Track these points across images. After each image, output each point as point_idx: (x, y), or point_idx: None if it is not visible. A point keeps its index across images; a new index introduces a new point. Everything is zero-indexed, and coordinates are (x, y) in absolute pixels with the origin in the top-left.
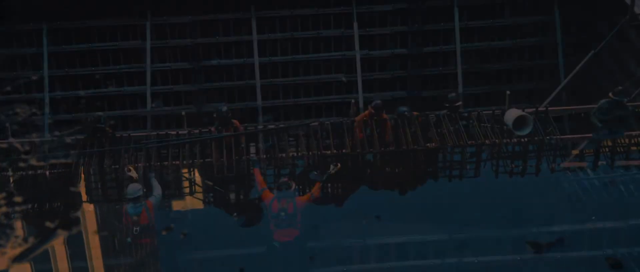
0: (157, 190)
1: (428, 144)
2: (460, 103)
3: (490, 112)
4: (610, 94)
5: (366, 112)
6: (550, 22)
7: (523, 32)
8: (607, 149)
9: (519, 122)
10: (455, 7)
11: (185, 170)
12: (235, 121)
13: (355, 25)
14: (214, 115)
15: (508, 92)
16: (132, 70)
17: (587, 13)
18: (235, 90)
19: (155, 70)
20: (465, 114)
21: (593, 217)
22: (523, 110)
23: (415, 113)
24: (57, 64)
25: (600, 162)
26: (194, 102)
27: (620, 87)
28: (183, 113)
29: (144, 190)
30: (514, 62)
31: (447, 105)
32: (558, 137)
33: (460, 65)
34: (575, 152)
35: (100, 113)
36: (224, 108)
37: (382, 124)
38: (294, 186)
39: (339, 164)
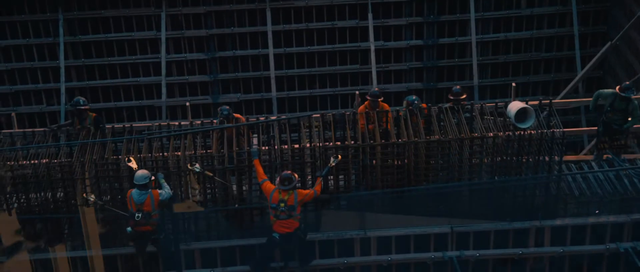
0: (167, 188)
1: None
2: (464, 96)
3: (494, 104)
4: (617, 89)
5: (366, 102)
6: (568, 13)
7: (539, 23)
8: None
9: (521, 115)
10: None
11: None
12: (237, 115)
13: (370, 16)
14: (219, 117)
15: (513, 84)
16: (148, 60)
17: (605, 4)
18: (250, 81)
19: (171, 61)
20: (468, 107)
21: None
22: (526, 103)
23: (423, 104)
24: (73, 53)
25: (606, 156)
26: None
27: (627, 83)
28: (187, 104)
29: (152, 178)
30: (530, 54)
31: (452, 98)
32: (561, 130)
33: (476, 56)
34: None
35: (79, 98)
36: (226, 111)
37: (383, 115)
38: (296, 178)
39: (340, 156)
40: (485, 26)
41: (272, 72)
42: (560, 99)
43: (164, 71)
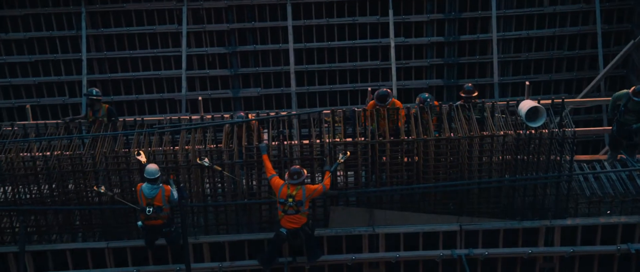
0: (175, 192)
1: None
2: (476, 94)
3: (505, 102)
4: (631, 90)
5: (371, 102)
6: (591, 11)
7: (562, 21)
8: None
9: (532, 113)
10: None
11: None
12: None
13: (391, 12)
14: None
15: (528, 83)
16: (169, 54)
17: (629, 1)
18: (271, 76)
19: (192, 54)
20: (480, 105)
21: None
22: (537, 102)
23: (435, 102)
24: (95, 46)
25: (619, 156)
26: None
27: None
28: (199, 98)
29: (161, 173)
30: (552, 52)
31: (464, 96)
32: (572, 129)
33: (497, 53)
34: None
35: (93, 88)
36: (241, 116)
37: (394, 112)
38: (304, 173)
39: (348, 152)
40: (507, 23)
41: (292, 67)
42: (582, 97)
43: (184, 65)
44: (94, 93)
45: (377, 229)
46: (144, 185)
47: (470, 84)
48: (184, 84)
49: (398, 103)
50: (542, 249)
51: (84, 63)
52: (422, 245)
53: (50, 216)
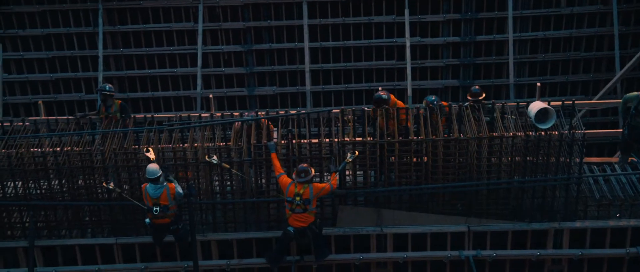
0: (179, 188)
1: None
2: (483, 96)
3: (515, 104)
4: None
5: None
6: (608, 13)
7: (580, 22)
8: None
9: (541, 115)
10: None
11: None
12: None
13: (407, 11)
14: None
15: (539, 84)
16: (185, 51)
17: None
18: (286, 74)
19: (207, 52)
20: (489, 106)
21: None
22: (547, 104)
23: (444, 103)
24: (112, 42)
25: (630, 159)
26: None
27: None
28: (211, 96)
29: (163, 171)
30: (569, 53)
31: (471, 98)
32: (582, 132)
33: (513, 54)
34: None
35: (105, 84)
36: (252, 115)
37: (398, 113)
38: (312, 172)
39: (357, 152)
40: (523, 24)
41: (307, 66)
42: (598, 99)
43: (200, 63)
44: (107, 88)
45: (385, 229)
46: (148, 185)
47: (477, 86)
48: (199, 81)
49: (400, 103)
50: (551, 252)
51: (100, 60)
52: (430, 245)
53: (60, 211)
